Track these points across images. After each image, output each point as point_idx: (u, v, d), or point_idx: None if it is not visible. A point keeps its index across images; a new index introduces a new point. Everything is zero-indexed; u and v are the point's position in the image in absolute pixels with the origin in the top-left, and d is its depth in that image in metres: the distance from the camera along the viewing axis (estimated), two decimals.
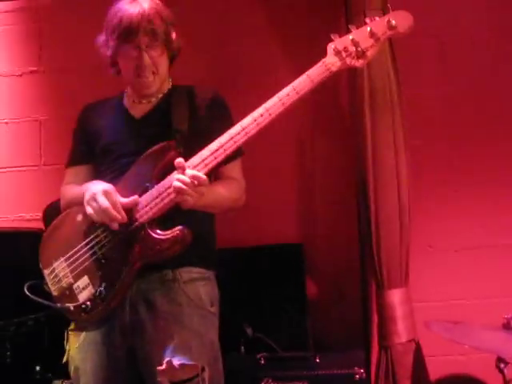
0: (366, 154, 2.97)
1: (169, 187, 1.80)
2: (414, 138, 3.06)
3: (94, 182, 1.95)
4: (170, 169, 1.83)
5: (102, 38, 2.04)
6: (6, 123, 3.54)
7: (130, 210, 1.85)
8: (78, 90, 3.40)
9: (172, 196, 1.79)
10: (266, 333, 2.93)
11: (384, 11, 2.45)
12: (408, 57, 3.07)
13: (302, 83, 1.88)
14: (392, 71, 2.97)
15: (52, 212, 2.72)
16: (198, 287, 1.97)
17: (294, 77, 1.88)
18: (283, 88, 1.88)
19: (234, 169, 2.04)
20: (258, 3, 3.40)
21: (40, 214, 3.17)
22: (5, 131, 3.53)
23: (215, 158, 1.83)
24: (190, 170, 1.77)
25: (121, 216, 1.83)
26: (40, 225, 3.10)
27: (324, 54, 1.94)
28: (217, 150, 1.83)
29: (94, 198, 1.85)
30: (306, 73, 1.89)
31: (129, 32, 1.93)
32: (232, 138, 1.84)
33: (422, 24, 2.07)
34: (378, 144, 2.95)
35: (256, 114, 1.86)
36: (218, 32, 3.40)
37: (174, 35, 2.02)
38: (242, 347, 2.87)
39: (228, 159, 1.90)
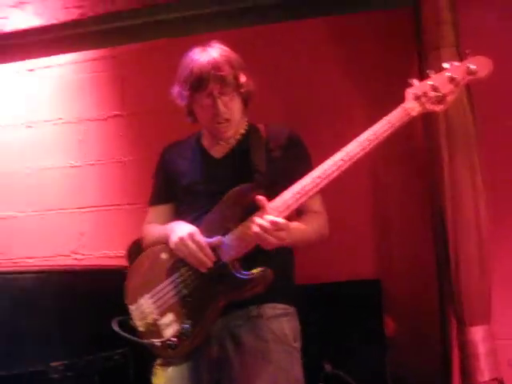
0: (443, 193, 2.94)
1: (250, 229, 1.86)
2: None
3: (178, 222, 2.03)
4: (252, 209, 1.89)
5: (176, 88, 2.14)
6: (93, 165, 3.70)
7: (213, 250, 1.92)
8: (158, 131, 3.53)
9: (252, 238, 1.85)
10: (345, 369, 2.91)
11: (458, 49, 2.48)
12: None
13: (381, 128, 1.92)
14: (468, 107, 2.96)
15: (136, 250, 2.84)
16: (283, 323, 2.00)
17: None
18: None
19: (316, 202, 2.08)
20: (329, 42, 3.45)
21: (123, 252, 3.29)
22: (92, 172, 3.69)
23: (297, 201, 1.87)
24: (269, 216, 1.81)
25: (208, 258, 1.90)
26: (123, 262, 3.22)
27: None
28: (299, 193, 1.87)
29: (182, 243, 1.92)
30: (386, 118, 1.93)
31: (200, 81, 2.01)
32: (314, 181, 1.89)
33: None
34: (456, 183, 2.92)
35: (337, 157, 1.90)
36: (291, 70, 3.46)
37: (243, 79, 2.09)
38: None
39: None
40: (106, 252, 3.57)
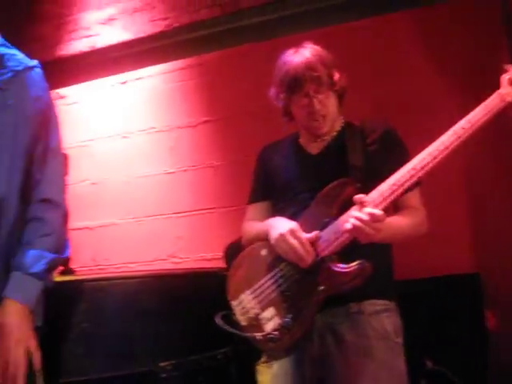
0: None
1: (347, 223, 1.85)
2: None
3: (278, 218, 2.06)
4: (349, 204, 1.89)
5: (272, 91, 2.19)
6: (185, 171, 3.82)
7: (312, 245, 1.95)
8: (247, 135, 3.61)
9: (349, 232, 1.86)
10: (446, 365, 2.86)
11: None
12: None
13: (477, 115, 1.89)
14: None
15: (233, 251, 2.90)
16: (383, 319, 1.99)
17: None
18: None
19: (414, 198, 2.05)
20: (415, 34, 3.40)
21: (220, 254, 3.37)
22: (185, 178, 3.81)
23: (393, 192, 1.86)
24: (367, 208, 1.81)
25: (308, 253, 1.93)
26: (221, 264, 3.30)
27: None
28: (395, 185, 1.87)
29: (283, 239, 1.95)
30: (481, 105, 1.90)
31: (296, 82, 2.05)
32: (409, 172, 1.87)
33: None
34: None
35: (432, 148, 1.88)
36: (377, 66, 3.44)
37: (337, 76, 2.12)
38: (423, 380, 2.83)
39: (407, 189, 1.92)
40: (202, 255, 3.66)
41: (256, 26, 3.75)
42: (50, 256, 1.65)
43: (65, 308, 2.04)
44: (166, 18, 3.94)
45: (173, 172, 3.85)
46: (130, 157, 3.99)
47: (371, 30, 3.46)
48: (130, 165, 3.97)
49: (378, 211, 1.81)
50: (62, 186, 1.78)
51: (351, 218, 1.82)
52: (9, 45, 1.77)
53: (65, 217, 1.75)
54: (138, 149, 3.98)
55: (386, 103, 3.36)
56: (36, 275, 1.61)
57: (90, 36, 4.16)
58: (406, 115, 3.26)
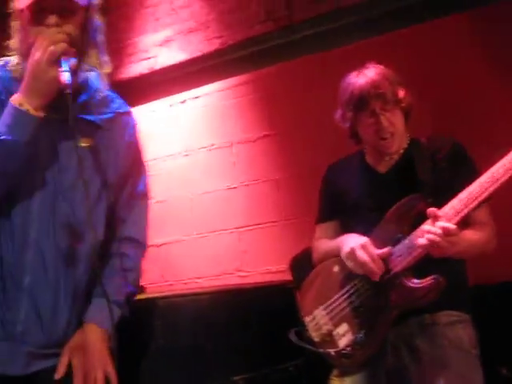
0: None
1: (420, 237, 1.88)
2: None
3: (349, 235, 2.10)
4: (420, 220, 1.92)
5: (338, 113, 2.23)
6: (247, 185, 3.87)
7: (384, 261, 1.97)
8: (306, 147, 3.65)
9: (424, 246, 1.87)
10: None
11: None
12: None
13: None
14: None
15: (297, 264, 2.93)
16: (458, 330, 2.00)
17: None
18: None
19: (484, 213, 2.05)
20: (475, 37, 3.35)
21: (284, 266, 3.40)
22: (247, 192, 3.87)
23: (466, 207, 1.87)
24: (440, 222, 1.83)
25: (379, 268, 1.95)
26: (286, 276, 3.33)
27: None
28: (468, 199, 1.87)
29: (353, 253, 1.99)
30: None
31: (361, 101, 2.09)
32: (482, 187, 1.87)
33: None
34: None
35: (506, 160, 1.86)
36: (433, 75, 3.41)
37: (402, 93, 2.14)
38: None
39: (479, 203, 1.91)
40: (268, 268, 3.70)
41: (309, 38, 3.77)
42: (130, 289, 1.79)
43: (140, 325, 2.12)
44: (220, 37, 4.01)
45: (235, 187, 3.91)
46: (192, 174, 4.07)
47: (424, 35, 3.43)
48: (192, 182, 4.06)
49: (451, 225, 1.82)
50: (146, 227, 1.91)
51: (426, 233, 1.84)
52: (111, 88, 1.86)
53: (144, 255, 1.90)
54: (200, 166, 4.06)
55: (444, 109, 3.33)
56: (117, 303, 1.72)
57: (149, 58, 4.28)
58: (464, 120, 3.22)
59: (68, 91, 1.52)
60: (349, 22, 3.64)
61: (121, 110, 1.83)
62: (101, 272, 1.72)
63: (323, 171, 2.43)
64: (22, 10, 1.63)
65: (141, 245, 1.88)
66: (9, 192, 1.64)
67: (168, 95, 4.25)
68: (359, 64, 2.25)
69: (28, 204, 1.65)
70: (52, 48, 1.54)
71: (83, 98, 1.75)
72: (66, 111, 1.67)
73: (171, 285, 3.97)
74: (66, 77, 1.52)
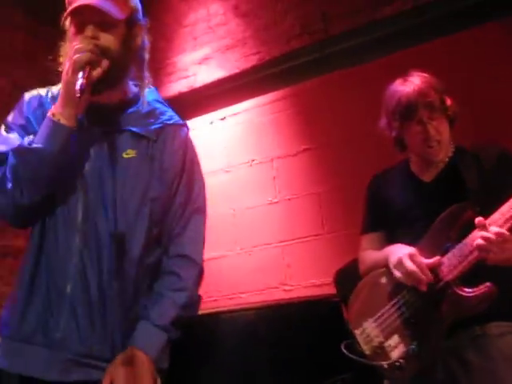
0: None
1: (471, 245, 1.86)
2: None
3: (397, 246, 2.09)
4: (468, 228, 1.90)
5: (383, 121, 2.23)
6: (289, 199, 3.88)
7: (434, 270, 1.95)
8: (347, 160, 3.65)
9: (475, 254, 1.85)
10: None
11: None
12: None
13: None
14: None
15: (343, 276, 2.93)
16: (509, 340, 1.96)
17: None
18: None
19: None
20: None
21: (329, 279, 3.39)
22: (289, 206, 3.87)
23: None
24: (493, 227, 1.81)
25: (428, 278, 1.94)
26: (330, 289, 3.32)
27: None
28: None
29: (400, 263, 1.98)
30: None
31: (409, 110, 2.09)
32: None
33: None
34: None
35: None
36: (476, 80, 3.38)
37: (449, 101, 2.13)
38: None
39: None
40: (312, 281, 3.69)
41: (345, 51, 3.78)
42: (177, 312, 1.68)
43: (187, 342, 2.12)
44: (257, 53, 4.05)
45: (276, 202, 3.92)
46: (234, 190, 4.10)
47: (463, 44, 3.40)
48: (234, 197, 4.09)
49: (504, 231, 1.80)
50: (201, 245, 1.81)
51: (478, 239, 1.82)
52: (165, 103, 1.88)
53: (200, 275, 1.78)
54: (241, 181, 4.09)
55: (486, 116, 3.29)
56: (162, 328, 1.66)
57: (188, 77, 4.34)
58: (506, 127, 3.20)
59: (78, 95, 1.54)
60: (385, 33, 3.64)
61: (169, 122, 1.79)
62: (146, 291, 1.70)
63: (365, 183, 2.43)
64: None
65: (195, 263, 1.77)
66: (52, 201, 1.67)
67: (208, 112, 4.30)
68: (396, 75, 2.25)
69: (72, 214, 1.67)
70: (76, 57, 1.58)
71: (132, 110, 1.77)
72: (111, 122, 1.72)
73: (215, 300, 3.99)
74: (78, 85, 1.54)
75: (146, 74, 1.81)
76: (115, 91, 1.74)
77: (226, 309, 3.28)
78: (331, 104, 3.81)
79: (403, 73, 2.24)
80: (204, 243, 1.82)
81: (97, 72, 1.60)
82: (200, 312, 1.87)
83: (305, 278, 3.73)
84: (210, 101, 4.27)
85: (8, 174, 1.61)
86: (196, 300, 1.78)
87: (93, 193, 1.68)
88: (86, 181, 1.68)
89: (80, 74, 1.55)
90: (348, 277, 2.82)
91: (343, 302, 2.97)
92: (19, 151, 1.61)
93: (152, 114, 1.79)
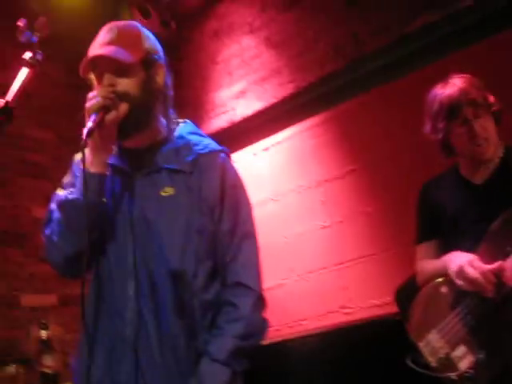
0: None
1: None
2: None
3: (455, 253, 2.05)
4: None
5: (428, 126, 2.22)
6: (341, 221, 3.85)
7: (497, 276, 1.91)
8: (393, 177, 3.62)
9: None
10: None
11: None
12: None
13: None
14: None
15: (403, 293, 2.88)
16: None
17: None
18: None
19: None
20: None
21: (389, 298, 3.34)
22: (342, 228, 3.85)
23: None
24: None
25: (492, 283, 1.90)
26: (391, 308, 3.26)
27: None
28: None
29: (461, 270, 1.94)
30: None
31: (453, 110, 2.08)
32: None
33: None
34: None
35: None
36: None
37: (491, 99, 2.11)
38: None
39: None
40: (373, 301, 3.63)
41: (381, 68, 3.79)
42: (235, 343, 1.64)
43: (258, 371, 2.09)
44: (293, 81, 4.09)
45: (328, 225, 3.91)
46: (284, 217, 4.11)
47: (498, 49, 3.36)
48: (285, 225, 4.09)
49: None
50: (256, 270, 1.76)
51: None
52: (202, 133, 1.87)
53: (258, 302, 1.73)
54: (291, 208, 4.09)
55: None
56: (220, 362, 1.62)
57: (227, 112, 4.41)
58: None
59: (83, 138, 1.56)
60: (417, 46, 3.64)
61: (203, 151, 1.76)
62: (209, 327, 1.68)
63: (414, 197, 2.41)
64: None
65: (250, 290, 1.71)
66: (102, 248, 1.70)
67: (250, 144, 4.35)
68: (433, 86, 2.24)
69: (123, 259, 1.69)
70: (88, 104, 1.62)
71: (166, 148, 1.77)
72: (148, 164, 1.74)
73: (277, 330, 3.97)
74: (86, 128, 1.58)
75: (172, 111, 1.83)
76: (146, 133, 1.75)
77: (291, 336, 3.27)
78: (372, 122, 3.80)
79: (440, 83, 2.23)
80: (259, 267, 1.77)
81: (112, 115, 1.62)
82: (265, 341, 1.81)
83: (364, 299, 3.68)
84: (251, 133, 4.33)
85: (55, 228, 1.68)
86: (257, 327, 1.73)
87: (140, 236, 1.69)
88: (132, 224, 1.70)
89: (91, 118, 1.59)
90: (409, 293, 2.77)
91: (405, 320, 2.93)
92: (59, 205, 1.68)
93: (186, 147, 1.78)
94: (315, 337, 2.94)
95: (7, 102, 1.04)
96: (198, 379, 1.61)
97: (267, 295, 1.76)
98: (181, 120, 1.88)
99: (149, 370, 1.63)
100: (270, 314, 1.78)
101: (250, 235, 1.79)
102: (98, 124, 1.59)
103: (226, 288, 1.71)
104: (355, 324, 3.29)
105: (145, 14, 4.30)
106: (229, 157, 1.84)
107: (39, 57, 1.30)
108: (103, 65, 1.68)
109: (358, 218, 3.78)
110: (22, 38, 1.31)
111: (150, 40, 1.80)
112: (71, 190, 1.68)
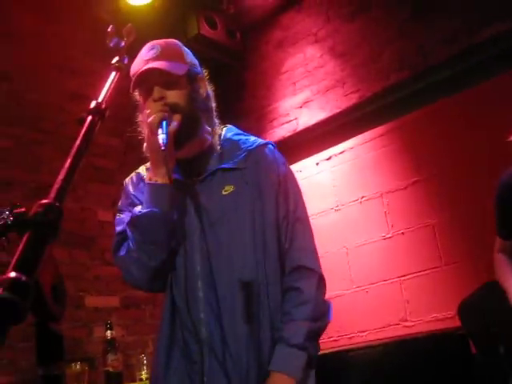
0: None
1: None
2: None
3: None
4: None
5: None
6: (403, 233, 3.82)
7: None
8: (457, 189, 3.57)
9: None
10: None
11: None
12: None
13: None
14: None
15: (467, 308, 2.82)
16: None
17: None
18: None
19: None
20: None
21: (451, 313, 3.28)
22: (403, 240, 3.82)
23: None
24: None
25: None
26: (453, 323, 3.21)
27: None
28: None
29: None
30: None
31: None
32: None
33: None
34: None
35: None
36: None
37: None
38: None
39: None
40: (434, 315, 3.58)
41: (446, 80, 3.74)
42: (307, 326, 1.66)
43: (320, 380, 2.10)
44: (357, 91, 4.08)
45: (390, 237, 3.88)
46: (345, 228, 4.10)
47: None
48: (346, 235, 4.08)
49: None
50: (313, 252, 1.80)
51: None
52: (246, 133, 1.95)
53: (320, 282, 1.76)
54: (352, 219, 4.08)
55: None
56: (297, 346, 1.64)
57: (290, 121, 4.43)
58: None
59: (163, 149, 1.61)
60: (486, 56, 3.57)
61: (252, 147, 1.84)
62: (275, 316, 1.71)
63: (480, 210, 2.38)
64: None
65: (311, 272, 1.74)
66: (174, 253, 1.76)
67: (313, 154, 4.36)
68: (504, 98, 2.20)
69: (192, 264, 1.74)
70: (150, 120, 1.68)
71: (215, 152, 1.84)
72: (201, 170, 1.81)
73: (335, 340, 3.96)
74: (160, 139, 1.62)
75: (216, 121, 1.89)
76: (194, 141, 1.81)
77: (353, 346, 3.25)
78: (437, 133, 3.76)
79: (510, 94, 2.19)
80: (316, 251, 1.81)
81: (173, 126, 1.69)
82: (324, 352, 1.82)
83: (426, 313, 3.63)
84: (313, 143, 4.33)
85: (131, 246, 1.73)
86: (323, 308, 1.74)
87: (207, 239, 1.74)
88: (200, 229, 1.75)
89: (159, 131, 1.64)
90: (473, 309, 2.73)
91: (469, 335, 2.87)
92: (133, 222, 1.72)
93: (235, 147, 1.86)
94: (376, 348, 2.91)
95: (99, 104, 1.10)
96: (275, 366, 1.64)
97: None
98: (222, 126, 1.94)
99: (228, 365, 1.66)
100: (329, 323, 1.77)
101: (303, 219, 1.82)
102: (167, 134, 1.65)
103: (288, 274, 1.74)
104: (417, 336, 3.24)
105: (211, 25, 4.38)
106: (275, 148, 1.91)
107: (125, 61, 1.37)
108: (152, 79, 1.73)
109: (420, 229, 3.74)
110: (111, 43, 1.39)
111: (190, 55, 1.87)
112: (139, 207, 1.74)
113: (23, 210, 0.80)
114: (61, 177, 0.88)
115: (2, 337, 0.66)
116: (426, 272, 3.67)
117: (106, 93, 1.18)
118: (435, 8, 3.68)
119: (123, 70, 1.34)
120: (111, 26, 1.40)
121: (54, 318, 0.80)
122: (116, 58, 1.35)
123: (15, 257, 0.71)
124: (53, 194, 0.84)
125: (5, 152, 3.63)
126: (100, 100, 1.13)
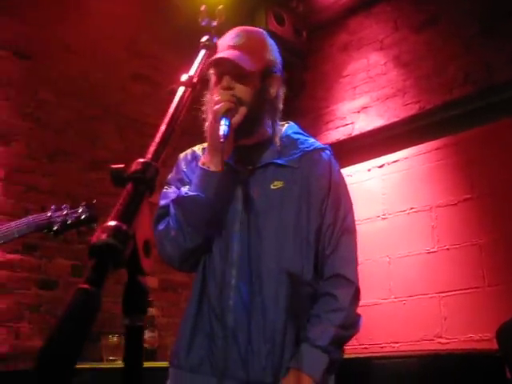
0: None
1: None
2: None
3: None
4: None
5: None
6: (448, 249, 3.79)
7: None
8: (510, 211, 3.53)
9: None
10: None
11: None
12: None
13: None
14: None
15: (506, 332, 2.79)
16: None
17: None
18: None
19: None
20: None
21: (488, 335, 3.25)
22: (447, 257, 3.78)
23: None
24: None
25: None
26: (489, 345, 3.17)
27: None
28: None
29: None
30: None
31: None
32: None
33: None
34: None
35: None
36: None
37: None
38: None
39: None
40: (470, 335, 3.54)
41: (511, 100, 3.69)
42: (335, 331, 1.68)
43: None
44: (418, 101, 4.06)
45: (435, 251, 3.84)
46: (390, 237, 4.08)
47: None
48: (390, 245, 4.06)
49: None
50: (354, 264, 1.80)
51: None
52: (305, 133, 1.94)
53: (356, 294, 1.77)
54: (398, 229, 4.06)
55: None
56: (321, 348, 1.66)
57: (346, 125, 4.43)
58: None
59: (222, 141, 1.61)
60: None
61: (309, 149, 1.84)
62: (303, 316, 1.72)
63: None
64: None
65: (349, 283, 1.75)
66: (211, 241, 1.78)
67: (365, 160, 4.35)
68: None
69: (229, 251, 1.75)
70: (216, 107, 1.69)
71: (272, 145, 1.84)
72: (255, 160, 1.82)
73: (365, 348, 3.94)
74: (221, 130, 1.63)
75: (278, 124, 1.88)
76: (251, 138, 1.82)
77: (387, 354, 3.24)
78: (493, 153, 3.72)
79: None
80: (357, 263, 1.81)
81: (236, 119, 1.70)
82: (348, 356, 1.82)
83: (462, 332, 3.59)
84: (367, 149, 4.32)
85: (171, 223, 1.75)
86: (354, 319, 1.76)
87: (249, 230, 1.75)
88: (243, 218, 1.76)
89: (222, 121, 1.65)
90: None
91: (506, 359, 2.83)
92: (178, 201, 1.74)
93: (292, 144, 1.85)
94: (406, 359, 2.88)
95: (191, 77, 1.14)
96: (298, 364, 1.66)
97: (361, 312, 1.78)
98: (284, 122, 1.93)
99: (248, 357, 1.68)
100: (362, 331, 1.80)
101: (350, 230, 1.82)
102: (230, 126, 1.66)
103: (325, 280, 1.76)
104: (452, 352, 3.21)
105: (279, 21, 4.41)
106: (332, 154, 1.90)
107: (215, 40, 1.41)
108: (227, 67, 1.75)
109: (467, 247, 3.70)
110: (203, 23, 1.43)
111: (273, 51, 1.87)
112: (187, 187, 1.76)
113: (122, 165, 0.84)
114: (157, 140, 0.92)
115: (102, 279, 0.70)
116: (467, 291, 3.63)
117: (197, 68, 1.21)
118: (504, 26, 3.64)
119: (212, 48, 1.37)
120: (203, 6, 1.44)
121: (143, 271, 0.84)
122: (206, 37, 1.39)
123: (115, 208, 0.74)
124: (149, 154, 0.88)
125: (66, 123, 3.73)
126: (191, 74, 1.17)
